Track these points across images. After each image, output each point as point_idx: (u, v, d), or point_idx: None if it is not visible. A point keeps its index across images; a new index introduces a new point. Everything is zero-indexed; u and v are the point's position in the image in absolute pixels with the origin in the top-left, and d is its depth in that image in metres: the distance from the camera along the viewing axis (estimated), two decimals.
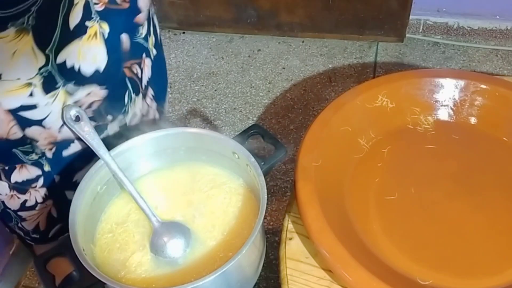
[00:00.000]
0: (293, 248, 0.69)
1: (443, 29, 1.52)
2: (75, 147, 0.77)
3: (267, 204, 0.64)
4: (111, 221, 0.73)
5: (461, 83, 0.82)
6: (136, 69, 0.80)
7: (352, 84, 1.41)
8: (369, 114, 0.80)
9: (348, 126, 0.78)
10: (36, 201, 0.82)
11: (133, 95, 0.80)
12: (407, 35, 1.53)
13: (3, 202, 0.82)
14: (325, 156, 0.73)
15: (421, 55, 1.49)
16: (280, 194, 1.16)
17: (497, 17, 1.47)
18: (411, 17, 1.49)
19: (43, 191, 0.81)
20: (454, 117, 0.83)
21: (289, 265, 0.67)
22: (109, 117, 0.78)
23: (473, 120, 0.82)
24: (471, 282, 0.64)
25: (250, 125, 0.77)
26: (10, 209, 0.82)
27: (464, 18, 1.50)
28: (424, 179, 0.75)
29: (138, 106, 0.84)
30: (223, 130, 1.30)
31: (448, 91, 0.83)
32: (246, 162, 0.70)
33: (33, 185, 0.79)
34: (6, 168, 0.75)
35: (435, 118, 0.83)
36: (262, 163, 0.69)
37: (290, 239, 0.70)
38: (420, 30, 1.54)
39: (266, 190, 0.65)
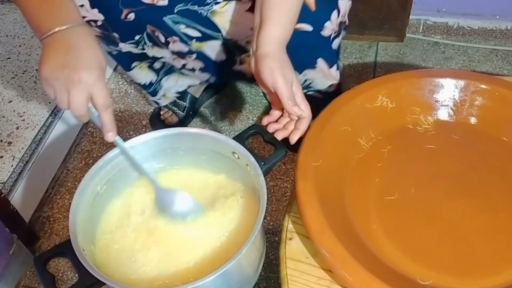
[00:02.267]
0: (293, 248, 0.69)
1: (443, 29, 1.52)
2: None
3: (267, 204, 0.64)
4: (111, 221, 0.73)
5: (461, 83, 0.82)
6: (159, 36, 0.93)
7: (352, 84, 1.41)
8: (369, 114, 0.80)
9: (348, 126, 0.78)
10: (193, 68, 1.04)
11: (148, 43, 0.96)
12: (407, 35, 1.52)
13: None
14: (325, 156, 0.73)
15: (421, 55, 1.48)
16: (280, 194, 1.16)
17: (497, 17, 1.47)
18: (411, 17, 1.49)
19: (199, 63, 1.01)
20: (454, 117, 0.83)
21: (289, 265, 0.67)
22: (115, 34, 0.93)
23: (473, 120, 0.82)
24: (471, 282, 0.64)
25: (250, 125, 0.77)
26: (175, 66, 1.06)
27: (464, 18, 1.49)
28: (424, 179, 0.75)
29: (164, 53, 1.01)
30: (223, 130, 1.30)
31: (448, 91, 0.83)
32: (246, 162, 0.70)
33: (189, 55, 0.99)
34: (163, 41, 0.94)
35: (435, 118, 0.83)
36: (262, 163, 0.69)
37: (290, 239, 0.70)
38: (420, 30, 1.54)
39: (266, 190, 0.65)
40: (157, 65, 1.09)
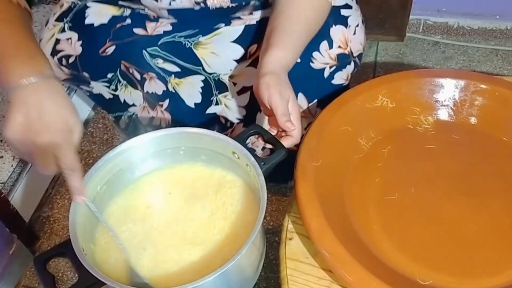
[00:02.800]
0: (293, 248, 0.69)
1: (443, 29, 1.52)
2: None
3: (267, 204, 0.64)
4: (111, 221, 0.73)
5: (461, 83, 0.82)
6: (134, 73, 0.88)
7: (352, 84, 1.40)
8: (369, 114, 0.80)
9: (348, 126, 0.78)
10: (160, 123, 0.97)
11: (122, 81, 0.91)
12: (407, 34, 1.53)
13: (136, 115, 0.99)
14: (325, 156, 0.73)
15: (421, 55, 1.48)
16: (280, 194, 1.16)
17: (497, 17, 1.47)
18: (411, 16, 1.49)
19: (168, 116, 0.94)
20: (454, 117, 0.83)
21: (289, 265, 0.67)
22: (85, 74, 0.89)
23: (473, 120, 0.82)
24: (471, 282, 0.64)
25: (250, 125, 0.77)
26: (141, 123, 0.99)
27: (464, 18, 1.49)
28: (424, 179, 0.75)
29: (136, 98, 0.94)
30: None
31: (448, 91, 0.83)
32: (246, 162, 0.70)
33: (160, 103, 0.93)
34: (139, 78, 0.89)
35: (435, 118, 0.83)
36: (262, 163, 0.69)
37: (290, 239, 0.70)
38: (420, 30, 1.54)
39: (266, 190, 0.65)
40: (122, 123, 1.05)
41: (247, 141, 0.72)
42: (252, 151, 0.69)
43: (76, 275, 0.63)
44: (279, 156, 0.70)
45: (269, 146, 0.72)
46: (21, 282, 1.05)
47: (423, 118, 0.82)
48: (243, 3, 0.83)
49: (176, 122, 0.96)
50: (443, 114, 0.83)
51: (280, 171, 0.75)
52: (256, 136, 0.73)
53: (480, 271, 0.65)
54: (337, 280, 0.64)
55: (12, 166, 1.14)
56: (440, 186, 0.74)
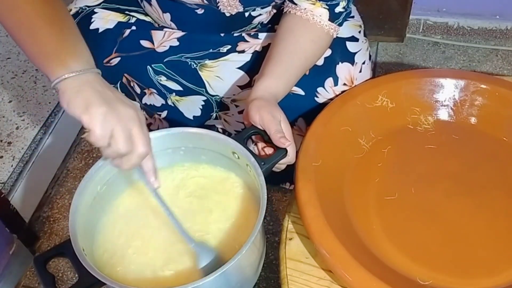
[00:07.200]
0: (293, 248, 0.69)
1: (443, 29, 1.52)
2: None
3: (267, 204, 0.64)
4: (111, 221, 0.73)
5: (461, 83, 0.82)
6: (135, 87, 0.88)
7: None
8: (369, 114, 0.80)
9: (348, 126, 0.78)
10: (158, 128, 0.97)
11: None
12: (407, 35, 1.52)
13: None
14: (325, 156, 0.73)
15: (421, 55, 1.48)
16: (280, 194, 1.16)
17: (497, 17, 1.47)
18: (411, 17, 1.49)
19: (166, 124, 0.96)
20: (454, 117, 0.83)
21: (289, 265, 0.67)
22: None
23: (473, 120, 0.82)
24: (471, 282, 0.64)
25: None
26: None
27: (464, 18, 1.49)
28: (424, 179, 0.75)
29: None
30: None
31: (448, 91, 0.83)
32: (246, 162, 0.70)
33: (158, 112, 0.94)
34: (139, 92, 0.90)
35: (435, 118, 0.83)
36: (262, 163, 0.69)
37: (290, 239, 0.70)
38: (420, 30, 1.54)
39: (266, 190, 0.65)
40: None
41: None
42: (252, 152, 0.70)
43: (76, 275, 0.63)
44: (279, 156, 0.70)
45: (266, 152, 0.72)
46: (21, 282, 1.05)
47: (423, 118, 0.82)
48: (251, 11, 0.83)
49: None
50: (443, 114, 0.83)
51: (280, 172, 0.75)
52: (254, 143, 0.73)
53: (480, 271, 0.65)
54: (337, 280, 0.64)
55: (12, 166, 1.14)
56: (440, 186, 0.74)
